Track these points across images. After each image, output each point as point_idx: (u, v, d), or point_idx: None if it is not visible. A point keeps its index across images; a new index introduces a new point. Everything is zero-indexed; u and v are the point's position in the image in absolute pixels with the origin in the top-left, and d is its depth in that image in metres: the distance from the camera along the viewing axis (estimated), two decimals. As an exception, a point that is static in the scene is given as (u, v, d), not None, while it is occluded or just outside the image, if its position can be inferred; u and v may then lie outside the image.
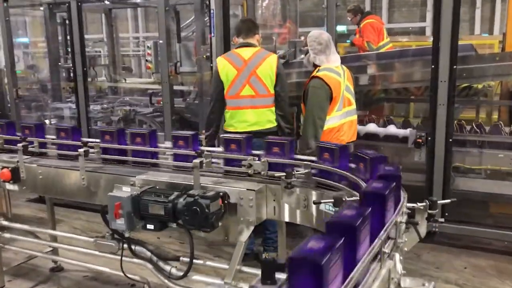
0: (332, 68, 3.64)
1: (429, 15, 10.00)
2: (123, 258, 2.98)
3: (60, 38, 7.00)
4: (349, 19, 7.26)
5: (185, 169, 2.96)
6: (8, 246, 3.67)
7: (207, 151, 2.88)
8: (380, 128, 4.71)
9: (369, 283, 1.43)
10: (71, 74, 6.03)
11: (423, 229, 1.99)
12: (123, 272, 2.98)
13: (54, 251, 3.84)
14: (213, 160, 2.89)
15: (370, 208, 1.56)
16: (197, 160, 2.73)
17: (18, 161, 3.36)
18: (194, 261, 2.75)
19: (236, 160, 2.83)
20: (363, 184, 2.16)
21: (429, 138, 4.18)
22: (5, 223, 3.62)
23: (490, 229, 4.20)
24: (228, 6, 4.51)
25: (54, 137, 3.49)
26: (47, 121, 5.97)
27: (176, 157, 3.07)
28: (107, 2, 6.64)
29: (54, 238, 3.82)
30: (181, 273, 2.79)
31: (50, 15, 6.60)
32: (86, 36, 12.72)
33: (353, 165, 2.46)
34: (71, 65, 5.68)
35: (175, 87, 5.78)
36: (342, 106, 3.60)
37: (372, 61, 5.01)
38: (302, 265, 1.21)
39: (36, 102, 6.78)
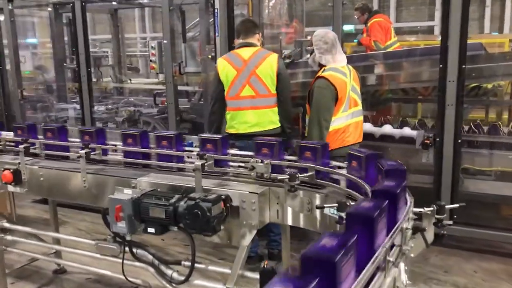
0: (338, 68, 3.57)
1: (437, 14, 9.87)
2: (126, 261, 2.94)
3: (66, 38, 6.99)
4: (356, 17, 7.17)
5: (187, 171, 2.91)
6: (10, 248, 3.64)
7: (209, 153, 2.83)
8: (391, 129, 4.61)
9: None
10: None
11: (430, 235, 1.91)
12: (124, 275, 2.93)
13: (57, 253, 3.81)
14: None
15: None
16: (198, 162, 2.67)
17: (19, 163, 3.33)
18: (196, 265, 2.70)
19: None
20: (368, 188, 2.09)
21: (437, 139, 4.09)
22: (7, 225, 3.59)
23: (500, 232, 4.12)
24: (233, 6, 4.46)
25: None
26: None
27: (178, 158, 3.02)
28: (112, 3, 6.60)
29: (57, 240, 3.78)
30: (182, 278, 2.74)
31: (56, 16, 6.58)
32: (94, 37, 12.80)
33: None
34: (75, 65, 5.64)
35: (180, 88, 5.73)
36: (348, 107, 3.53)
37: (379, 60, 4.93)
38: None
39: (41, 102, 6.76)
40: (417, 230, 1.76)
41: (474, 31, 9.41)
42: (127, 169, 3.14)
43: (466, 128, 4.60)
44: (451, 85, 3.97)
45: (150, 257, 2.94)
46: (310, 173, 2.53)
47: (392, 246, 1.61)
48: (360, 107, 3.67)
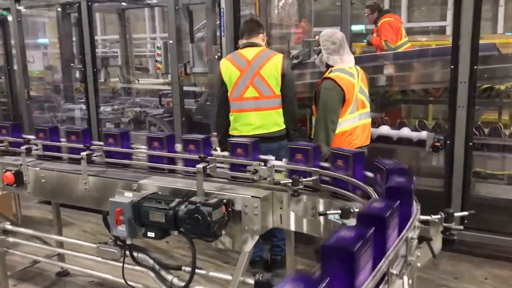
0: (345, 69, 3.48)
1: (449, 14, 9.72)
2: (127, 265, 2.89)
3: (74, 38, 6.98)
4: (366, 15, 7.06)
5: (189, 174, 2.85)
6: (12, 250, 3.61)
7: (212, 155, 2.77)
8: (395, 131, 4.52)
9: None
10: (84, 75, 5.98)
11: (438, 244, 1.83)
12: (124, 279, 2.88)
13: (59, 256, 3.77)
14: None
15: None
16: (200, 165, 2.61)
17: (21, 164, 3.30)
18: (197, 271, 2.64)
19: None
20: (373, 194, 2.01)
21: (448, 142, 3.99)
22: (9, 227, 3.56)
23: (513, 238, 4.00)
24: (239, 5, 4.39)
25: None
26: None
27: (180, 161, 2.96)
28: (119, 3, 6.57)
29: (60, 243, 3.74)
30: (183, 283, 2.68)
31: (64, 16, 6.57)
32: (104, 37, 12.80)
33: (368, 173, 2.31)
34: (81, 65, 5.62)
35: (187, 88, 5.69)
36: (356, 108, 3.44)
37: (389, 61, 4.83)
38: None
39: (49, 103, 6.75)
40: (423, 239, 1.67)
41: (487, 31, 9.26)
42: (129, 172, 3.09)
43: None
44: (462, 86, 3.87)
45: (151, 261, 2.88)
46: (314, 178, 2.45)
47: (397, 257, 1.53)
48: (368, 109, 3.58)
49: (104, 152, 3.12)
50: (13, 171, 3.30)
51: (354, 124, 3.45)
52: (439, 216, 1.83)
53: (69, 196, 3.22)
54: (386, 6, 10.17)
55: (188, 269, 2.66)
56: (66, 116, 6.37)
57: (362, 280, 1.26)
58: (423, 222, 1.83)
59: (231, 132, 3.79)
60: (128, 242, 2.72)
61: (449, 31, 9.54)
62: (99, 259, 3.09)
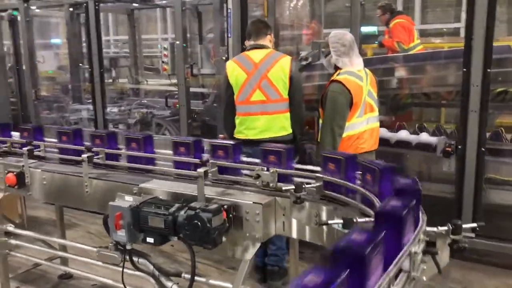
0: (353, 71, 3.39)
1: (464, 16, 9.55)
2: (129, 270, 2.83)
3: (84, 39, 6.97)
4: (378, 16, 6.96)
5: (190, 178, 2.78)
6: (14, 252, 3.57)
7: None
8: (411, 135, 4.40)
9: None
10: (92, 75, 5.95)
11: (444, 258, 1.74)
12: (123, 284, 2.81)
13: (62, 258, 3.73)
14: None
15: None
16: (201, 170, 2.54)
17: (23, 166, 3.26)
18: (197, 278, 2.57)
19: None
20: (377, 202, 1.92)
21: (459, 147, 3.87)
22: (10, 228, 3.52)
23: (527, 247, 3.87)
24: (246, 6, 4.31)
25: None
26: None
27: (179, 164, 2.89)
28: (127, 3, 6.54)
29: (62, 245, 3.70)
30: (182, 291, 2.61)
31: (72, 16, 6.55)
32: (116, 37, 12.80)
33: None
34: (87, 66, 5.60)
35: (195, 90, 5.63)
36: (363, 112, 3.35)
37: (400, 63, 4.72)
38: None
39: (57, 103, 6.75)
40: (428, 253, 1.58)
41: (503, 33, 9.07)
42: (131, 175, 3.03)
43: None
44: (474, 89, 3.75)
45: (151, 267, 2.82)
46: (317, 184, 2.37)
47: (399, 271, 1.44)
48: (376, 113, 3.49)
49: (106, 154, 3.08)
50: (15, 173, 3.27)
51: (362, 128, 3.36)
52: (446, 228, 1.74)
53: (70, 199, 3.18)
54: (399, 7, 10.03)
55: (188, 276, 2.59)
56: (73, 117, 6.34)
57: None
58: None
59: (236, 135, 3.70)
60: (128, 247, 2.66)
61: (463, 33, 9.37)
62: (101, 262, 3.06)
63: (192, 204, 2.42)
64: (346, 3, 4.47)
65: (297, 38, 5.91)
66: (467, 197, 3.91)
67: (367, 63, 3.78)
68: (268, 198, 2.47)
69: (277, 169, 2.50)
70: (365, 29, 8.65)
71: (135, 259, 2.80)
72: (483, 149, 3.82)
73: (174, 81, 5.40)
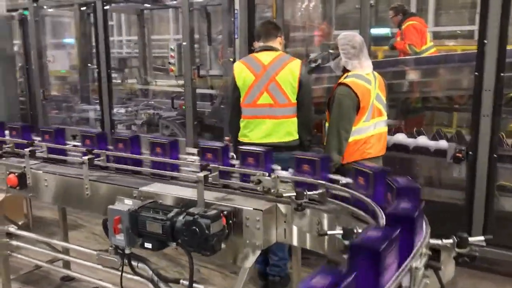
0: (361, 74, 3.31)
1: (478, 18, 9.40)
2: (128, 275, 2.79)
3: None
4: (390, 17, 6.85)
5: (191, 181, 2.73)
6: (15, 254, 3.55)
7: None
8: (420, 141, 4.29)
9: None
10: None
11: (449, 272, 1.65)
12: (122, 288, 2.77)
13: (62, 260, 3.70)
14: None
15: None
16: (201, 174, 2.48)
17: (25, 167, 3.23)
18: (195, 285, 2.51)
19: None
20: (380, 212, 1.84)
21: (470, 153, 3.77)
22: (12, 229, 3.50)
23: (539, 256, 3.76)
24: (254, 6, 4.24)
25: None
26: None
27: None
28: (136, 3, 6.52)
29: (62, 246, 3.67)
30: (180, 298, 2.56)
31: (82, 16, 6.55)
32: (129, 38, 12.80)
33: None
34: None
35: (204, 91, 5.59)
36: (371, 116, 3.26)
37: (410, 66, 4.62)
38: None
39: (66, 103, 6.75)
40: (430, 267, 1.50)
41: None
42: (133, 178, 2.98)
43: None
44: (487, 94, 3.64)
45: (150, 272, 2.77)
46: (320, 191, 2.30)
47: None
48: (384, 117, 3.40)
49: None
50: (16, 174, 3.24)
51: (369, 133, 3.27)
52: (451, 241, 1.65)
53: (71, 201, 3.15)
54: (413, 9, 9.90)
55: (186, 282, 2.53)
56: (81, 117, 6.33)
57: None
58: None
59: (241, 139, 3.61)
60: (127, 251, 2.62)
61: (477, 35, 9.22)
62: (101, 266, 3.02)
63: (191, 210, 2.36)
64: (357, 4, 4.36)
65: (306, 40, 5.83)
66: (478, 204, 3.80)
67: (377, 65, 3.69)
68: (269, 204, 2.40)
69: (278, 175, 2.43)
70: (378, 31, 8.55)
71: (134, 263, 2.76)
72: (495, 155, 3.72)
73: (181, 82, 5.36)
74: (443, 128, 5.22)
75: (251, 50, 4.22)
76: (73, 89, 7.20)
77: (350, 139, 3.21)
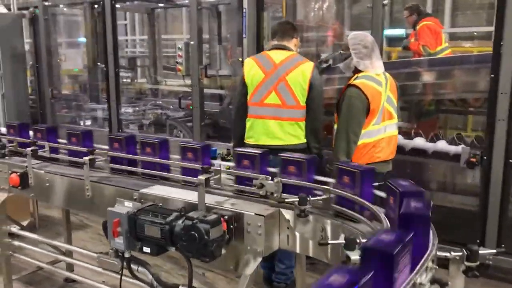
0: (372, 76, 3.19)
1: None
2: (129, 278, 2.72)
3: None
4: (405, 17, 6.72)
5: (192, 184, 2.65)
6: (17, 254, 3.51)
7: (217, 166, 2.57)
8: (433, 144, 4.16)
9: None
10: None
11: (458, 287, 1.55)
12: (121, 292, 2.70)
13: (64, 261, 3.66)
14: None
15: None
16: (202, 177, 2.40)
17: (27, 166, 3.19)
18: (195, 291, 2.43)
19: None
20: (384, 219, 1.74)
21: (485, 158, 3.64)
22: (14, 229, 3.46)
23: (556, 266, 3.61)
24: (262, 6, 4.15)
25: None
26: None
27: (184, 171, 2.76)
28: (146, 2, 6.47)
29: (64, 248, 3.63)
30: (179, 304, 2.48)
31: (92, 14, 6.53)
32: (142, 37, 12.83)
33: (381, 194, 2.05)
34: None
35: (212, 91, 5.52)
36: (381, 119, 3.15)
37: (424, 67, 4.49)
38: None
39: (76, 101, 6.73)
40: (436, 283, 1.40)
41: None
42: (135, 179, 2.92)
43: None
44: (503, 97, 3.52)
45: (150, 276, 2.70)
46: (324, 197, 2.20)
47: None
48: (395, 120, 3.28)
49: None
50: (18, 173, 3.20)
51: (379, 136, 3.16)
52: (460, 254, 1.55)
53: (71, 202, 3.09)
54: (429, 9, 9.72)
55: (185, 288, 2.45)
56: (89, 116, 6.31)
57: None
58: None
59: (247, 141, 3.50)
60: (127, 255, 2.55)
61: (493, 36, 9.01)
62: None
63: (190, 214, 2.28)
64: (369, 4, 4.26)
65: (318, 40, 5.72)
66: (492, 210, 3.67)
67: (390, 66, 3.57)
68: (271, 210, 2.31)
69: (282, 179, 2.34)
70: (392, 32, 8.39)
71: (134, 267, 2.70)
72: (510, 160, 3.58)
73: (189, 82, 5.30)
74: (458, 131, 5.09)
75: (260, 49, 4.14)
76: (83, 88, 7.17)
77: (359, 142, 3.11)
